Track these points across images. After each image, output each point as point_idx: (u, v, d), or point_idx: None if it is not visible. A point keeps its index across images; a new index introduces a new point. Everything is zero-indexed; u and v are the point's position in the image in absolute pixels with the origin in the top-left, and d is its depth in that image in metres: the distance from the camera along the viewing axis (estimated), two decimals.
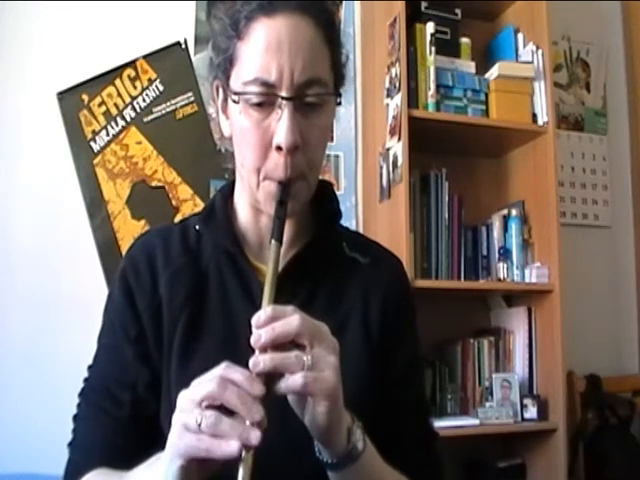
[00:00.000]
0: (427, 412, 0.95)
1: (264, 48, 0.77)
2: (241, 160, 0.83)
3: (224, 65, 0.82)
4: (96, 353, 0.88)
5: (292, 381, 0.63)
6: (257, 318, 0.65)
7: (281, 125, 0.77)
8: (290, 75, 0.76)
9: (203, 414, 0.60)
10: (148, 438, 0.71)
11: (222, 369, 0.62)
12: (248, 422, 0.60)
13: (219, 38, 0.82)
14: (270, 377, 0.63)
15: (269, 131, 0.78)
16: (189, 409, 0.61)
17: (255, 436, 0.59)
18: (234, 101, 0.80)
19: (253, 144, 0.79)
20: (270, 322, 0.64)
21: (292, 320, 0.64)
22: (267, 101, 0.78)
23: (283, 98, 0.77)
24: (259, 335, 0.64)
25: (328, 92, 0.81)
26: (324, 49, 0.81)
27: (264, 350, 0.64)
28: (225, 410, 0.61)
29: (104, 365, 0.86)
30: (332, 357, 0.65)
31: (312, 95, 0.78)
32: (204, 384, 0.62)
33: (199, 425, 0.59)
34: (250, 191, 0.84)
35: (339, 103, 0.86)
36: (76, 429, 0.85)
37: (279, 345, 0.64)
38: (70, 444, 0.85)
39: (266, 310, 0.66)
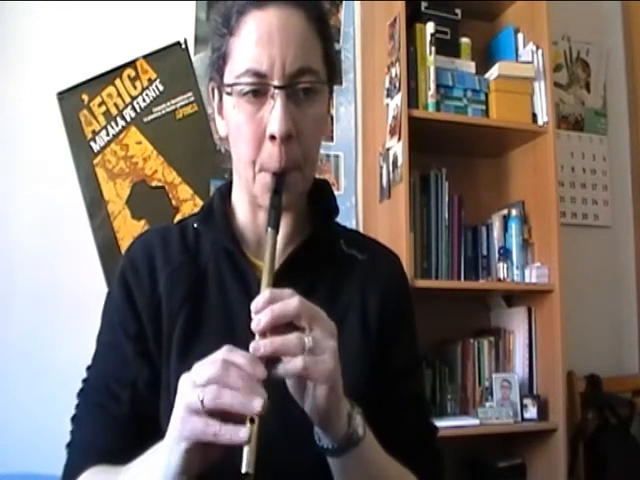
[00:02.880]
0: (426, 408, 0.95)
1: (255, 40, 0.78)
2: (237, 155, 0.84)
3: (217, 63, 0.83)
4: (95, 352, 0.88)
5: (292, 364, 0.63)
6: (256, 303, 0.65)
7: (274, 114, 0.77)
8: (282, 65, 0.77)
9: (204, 390, 0.60)
10: (147, 437, 0.71)
11: (224, 352, 0.63)
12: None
13: (213, 38, 0.84)
14: (270, 363, 0.63)
15: (262, 123, 0.79)
16: (191, 390, 0.61)
17: (258, 403, 0.59)
18: (227, 93, 0.81)
19: (248, 137, 0.80)
20: (268, 305, 0.64)
21: (291, 301, 0.65)
22: (260, 92, 0.78)
23: (275, 87, 0.77)
24: (259, 319, 0.64)
25: (320, 80, 0.81)
26: (315, 41, 0.81)
27: (264, 335, 0.64)
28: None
29: (103, 363, 0.86)
30: (331, 341, 0.66)
31: (304, 82, 0.79)
32: (206, 367, 0.62)
33: (202, 401, 0.59)
34: (247, 186, 0.84)
35: (331, 92, 0.87)
36: (75, 429, 0.85)
37: (279, 329, 0.64)
38: (68, 445, 0.85)
39: (264, 294, 0.66)
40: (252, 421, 0.60)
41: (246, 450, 0.59)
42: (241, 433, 0.58)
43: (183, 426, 0.61)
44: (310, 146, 0.82)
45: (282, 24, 0.78)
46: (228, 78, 0.81)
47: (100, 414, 0.82)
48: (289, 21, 0.79)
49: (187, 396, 0.61)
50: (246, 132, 0.80)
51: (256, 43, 0.78)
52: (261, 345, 0.63)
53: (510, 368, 2.15)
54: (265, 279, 0.70)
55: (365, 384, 0.83)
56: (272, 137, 0.78)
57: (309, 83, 0.79)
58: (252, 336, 0.65)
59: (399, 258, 0.99)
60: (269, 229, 0.75)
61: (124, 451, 0.73)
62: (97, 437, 0.82)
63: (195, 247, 0.90)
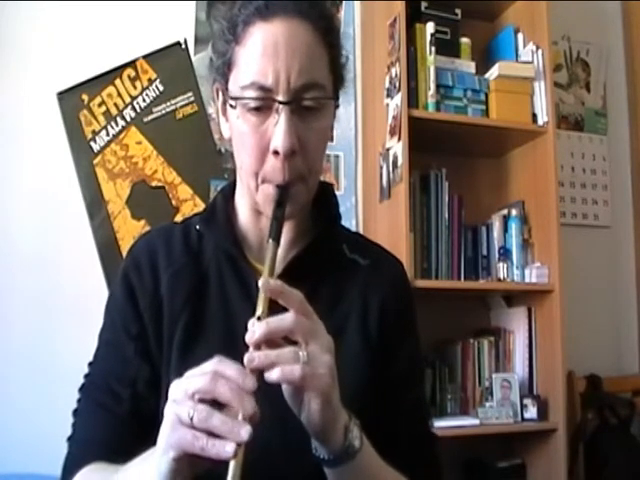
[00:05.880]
0: (427, 414, 0.95)
1: (261, 52, 0.77)
2: (240, 163, 0.83)
3: (222, 69, 0.82)
4: (97, 349, 0.89)
5: (290, 371, 0.62)
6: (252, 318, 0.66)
7: (278, 129, 0.77)
8: (287, 79, 0.76)
9: (195, 407, 0.60)
10: (147, 434, 0.71)
11: (215, 363, 0.62)
12: (240, 415, 0.59)
13: (218, 41, 0.83)
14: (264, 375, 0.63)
15: (266, 135, 0.78)
16: (181, 401, 0.61)
17: (245, 431, 0.58)
18: (232, 106, 0.80)
19: (251, 148, 0.79)
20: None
21: (286, 317, 0.65)
22: (264, 105, 0.78)
23: (280, 102, 0.77)
24: (253, 331, 0.64)
25: (326, 96, 0.81)
26: (322, 53, 0.81)
27: (258, 347, 0.64)
28: (217, 404, 0.60)
29: (104, 361, 0.87)
30: (327, 355, 0.65)
31: (309, 99, 0.78)
32: (196, 378, 0.62)
33: (191, 419, 0.59)
34: (249, 193, 0.84)
35: (337, 106, 0.86)
36: (75, 424, 0.86)
37: (274, 343, 0.64)
38: (69, 438, 0.85)
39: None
40: None
41: (232, 465, 0.59)
42: (227, 447, 0.58)
43: (171, 435, 0.61)
44: (314, 159, 0.82)
45: (288, 36, 0.77)
46: (233, 87, 0.81)
47: (100, 411, 0.83)
48: (295, 33, 0.78)
49: (177, 408, 0.61)
50: (249, 144, 0.79)
51: (261, 55, 0.77)
52: (255, 357, 0.63)
53: (510, 368, 2.15)
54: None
55: (365, 388, 0.83)
56: (275, 152, 0.77)
57: (314, 99, 0.79)
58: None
59: (401, 263, 0.98)
60: (270, 241, 0.75)
61: (124, 447, 0.73)
62: (97, 433, 0.82)
63: (197, 248, 0.90)
